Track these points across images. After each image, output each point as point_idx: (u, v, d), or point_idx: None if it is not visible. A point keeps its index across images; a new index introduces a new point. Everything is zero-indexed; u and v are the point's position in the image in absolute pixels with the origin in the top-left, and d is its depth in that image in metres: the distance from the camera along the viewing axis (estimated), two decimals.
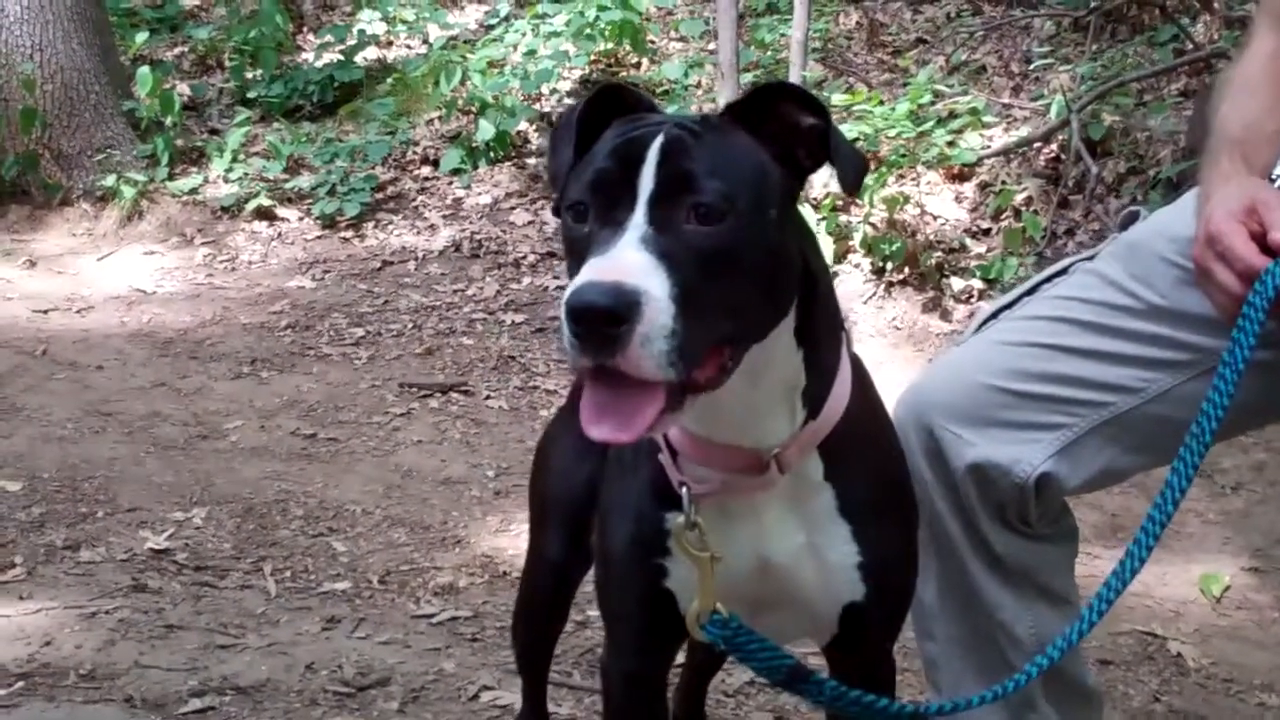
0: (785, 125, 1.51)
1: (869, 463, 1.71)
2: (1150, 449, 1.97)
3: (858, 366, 1.70)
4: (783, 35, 7.97)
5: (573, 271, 1.39)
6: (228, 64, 8.72)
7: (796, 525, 1.65)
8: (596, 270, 1.32)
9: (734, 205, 1.40)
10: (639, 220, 1.37)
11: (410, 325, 5.86)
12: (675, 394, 1.38)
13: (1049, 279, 2.07)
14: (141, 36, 8.51)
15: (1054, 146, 6.67)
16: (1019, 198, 6.27)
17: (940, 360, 2.11)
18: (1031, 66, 7.65)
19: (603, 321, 1.29)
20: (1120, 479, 2.08)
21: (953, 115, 6.75)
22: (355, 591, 3.41)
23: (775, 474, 1.59)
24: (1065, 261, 2.09)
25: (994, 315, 2.07)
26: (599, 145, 1.47)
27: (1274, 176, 1.84)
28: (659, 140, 1.42)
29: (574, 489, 2.06)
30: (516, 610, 2.40)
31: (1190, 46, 7.07)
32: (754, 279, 1.43)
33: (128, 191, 7.19)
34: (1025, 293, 2.08)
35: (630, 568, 1.69)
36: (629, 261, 1.33)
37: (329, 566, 3.56)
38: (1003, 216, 6.25)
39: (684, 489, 1.59)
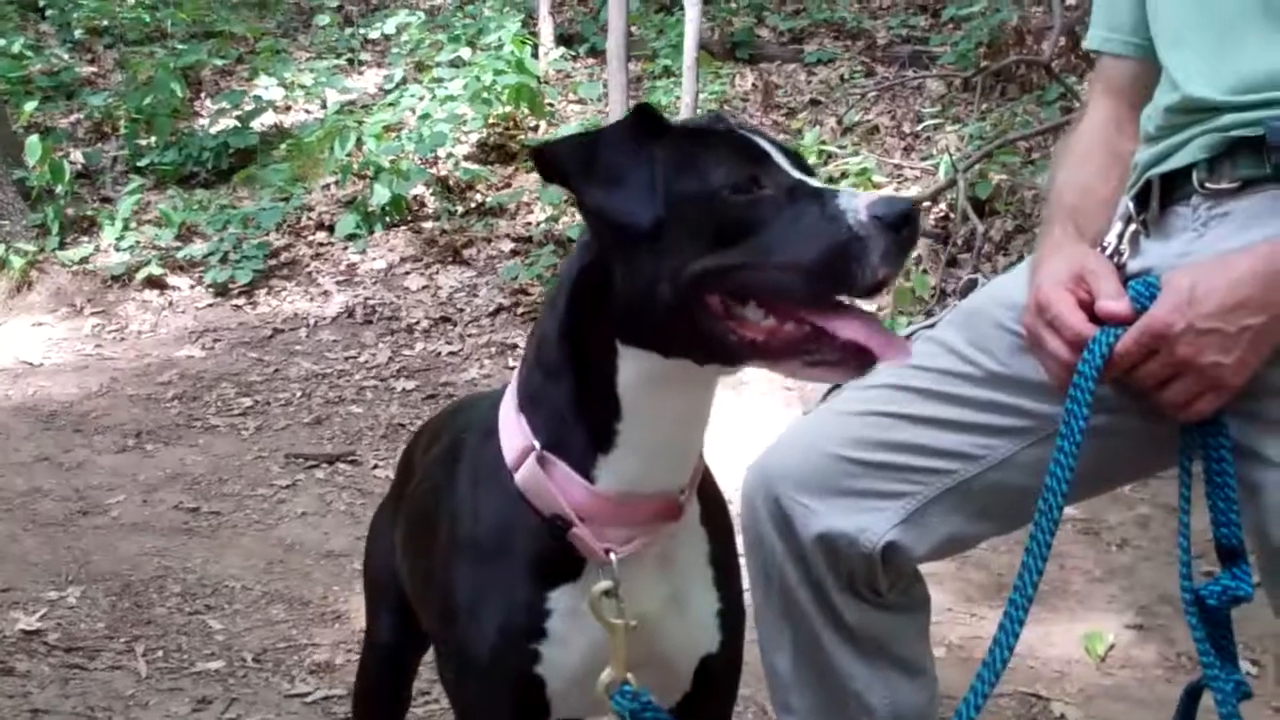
0: None
1: (718, 504, 1.74)
2: (994, 516, 1.98)
3: None
4: (678, 98, 8.03)
5: (758, 238, 1.42)
6: (122, 131, 8.64)
7: (667, 575, 1.64)
8: (868, 194, 1.41)
9: None
10: (813, 180, 1.46)
11: (300, 394, 5.80)
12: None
13: None
14: (31, 104, 8.41)
15: (943, 205, 6.78)
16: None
17: (787, 431, 2.11)
18: (921, 126, 7.78)
19: (916, 222, 1.39)
20: (967, 546, 2.08)
21: (844, 175, 6.84)
22: (229, 671, 3.35)
23: (681, 520, 1.61)
24: (908, 330, 2.10)
25: (838, 386, 2.08)
26: (702, 146, 1.50)
27: (1104, 245, 1.87)
28: (748, 133, 1.52)
29: (400, 572, 2.06)
30: (354, 700, 2.38)
31: (1077, 105, 7.22)
32: None
33: (16, 261, 7.08)
34: None
35: (499, 659, 1.64)
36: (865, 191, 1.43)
37: (203, 645, 3.49)
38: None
39: (611, 555, 1.57)
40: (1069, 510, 1.90)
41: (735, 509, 1.92)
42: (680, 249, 1.43)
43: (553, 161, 1.49)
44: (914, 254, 1.46)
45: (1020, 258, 6.14)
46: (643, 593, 1.61)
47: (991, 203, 6.57)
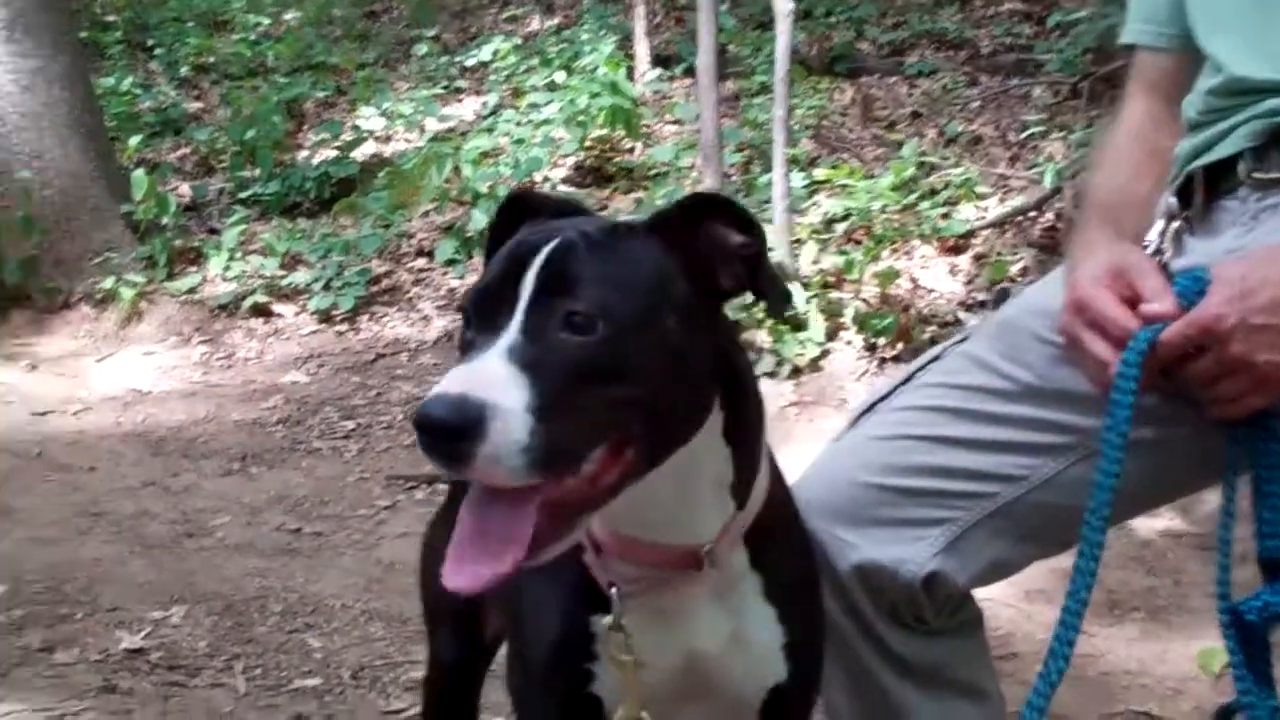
0: (708, 240, 1.48)
1: (788, 545, 1.69)
2: (1040, 539, 1.88)
3: (769, 452, 1.66)
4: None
5: None
6: (226, 164, 8.78)
7: (723, 614, 1.61)
8: (449, 381, 1.29)
9: (610, 314, 1.36)
10: (513, 329, 1.34)
11: (400, 417, 5.83)
12: (559, 513, 1.35)
13: (923, 366, 1.99)
14: (136, 140, 8.58)
15: (1049, 215, 6.65)
16: (1014, 268, 6.23)
17: (818, 459, 2.01)
18: (1026, 135, 7.65)
19: (446, 436, 1.26)
20: (1013, 570, 1.96)
21: (947, 186, 6.74)
22: (326, 688, 3.36)
23: (709, 569, 1.56)
24: (938, 348, 2.00)
25: (869, 409, 2.00)
26: (497, 253, 1.45)
27: (1146, 243, 1.78)
28: (548, 246, 1.39)
29: None
30: (422, 716, 2.35)
31: None
32: (648, 386, 1.38)
33: (126, 293, 7.21)
34: (900, 383, 1.99)
35: (554, 674, 1.64)
36: (487, 372, 1.30)
37: (302, 663, 3.50)
38: (997, 288, 6.21)
39: (613, 590, 1.55)
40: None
41: None
42: None
43: None
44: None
45: None
46: (693, 633, 1.60)
47: None
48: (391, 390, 6.20)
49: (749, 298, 1.52)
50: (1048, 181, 6.71)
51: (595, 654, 1.60)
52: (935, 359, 1.97)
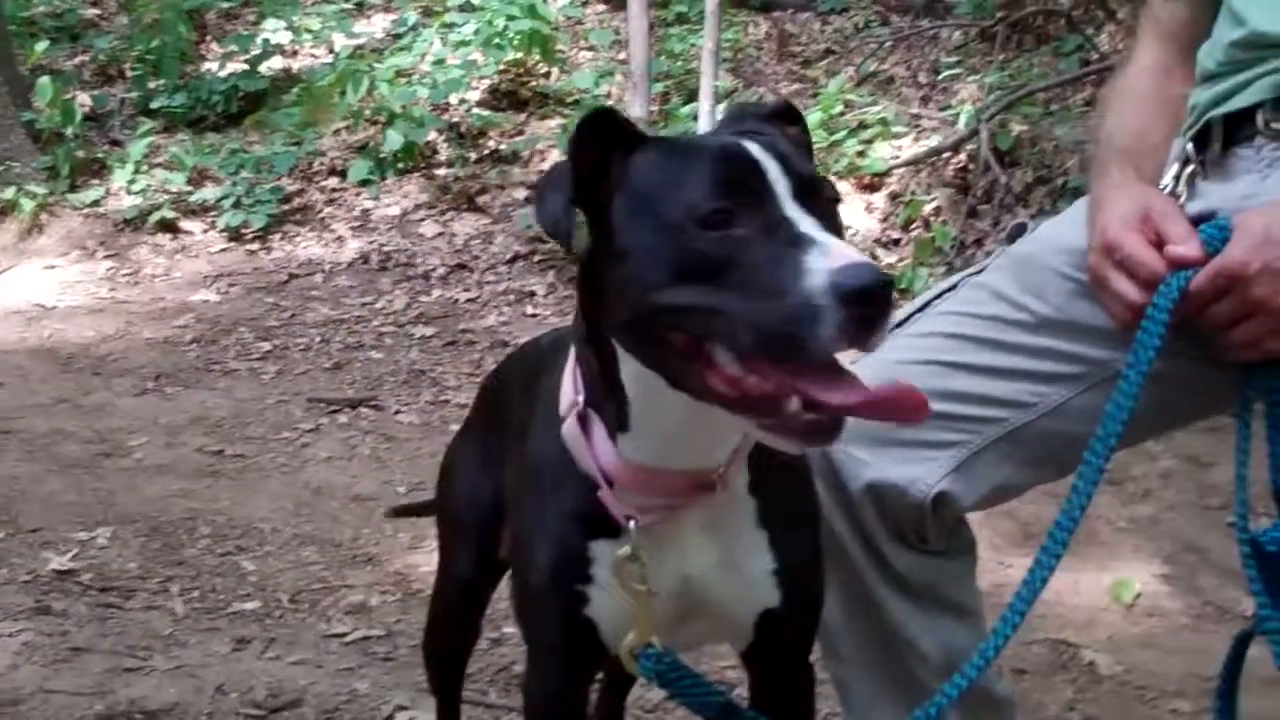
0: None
1: (784, 470, 1.69)
2: (1044, 463, 1.95)
3: None
4: (693, 45, 7.98)
5: (721, 280, 1.31)
6: (130, 74, 8.56)
7: (715, 538, 1.62)
8: (843, 253, 1.25)
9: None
10: (807, 217, 1.32)
11: (318, 339, 5.77)
12: None
13: (939, 295, 2.05)
14: (42, 46, 8.33)
15: (963, 156, 6.74)
16: (928, 208, 6.33)
17: None
18: (940, 77, 7.73)
19: (882, 300, 1.23)
20: (1014, 495, 2.05)
21: (863, 126, 6.80)
22: (265, 611, 3.34)
23: (720, 492, 1.57)
24: (955, 278, 2.06)
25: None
26: (681, 165, 1.40)
27: (1163, 185, 1.84)
28: (757, 147, 1.38)
29: (481, 504, 2.05)
30: (427, 628, 2.36)
31: (1095, 56, 7.19)
32: None
33: (27, 204, 7.02)
34: (917, 310, 2.05)
35: (550, 594, 1.65)
36: (848, 247, 1.28)
37: (238, 586, 3.47)
38: (913, 227, 6.30)
39: (630, 521, 1.55)
40: None
41: None
42: (643, 276, 1.36)
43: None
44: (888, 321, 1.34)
45: (1041, 210, 6.11)
46: (686, 557, 1.61)
47: (1013, 153, 6.53)
48: (306, 311, 6.13)
49: None
50: (963, 123, 6.79)
51: (590, 577, 1.62)
52: (952, 288, 2.03)
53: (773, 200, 1.33)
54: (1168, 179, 1.84)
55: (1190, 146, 1.84)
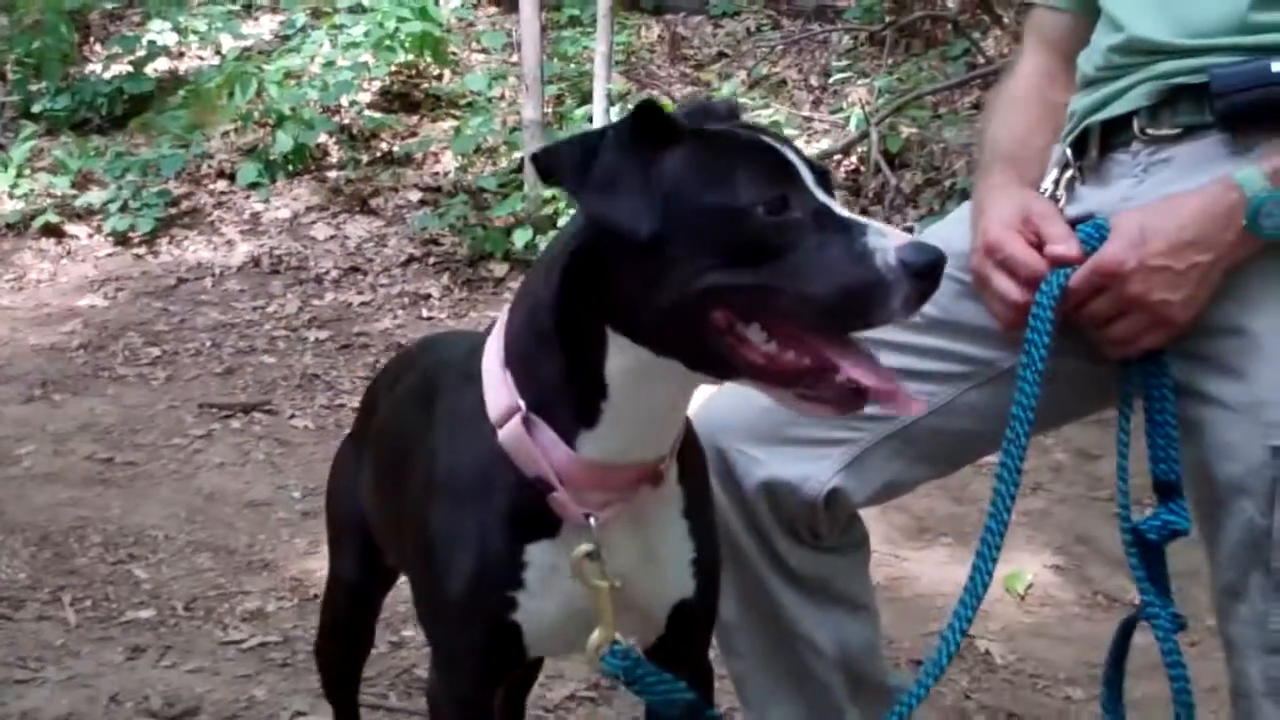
0: None
1: (696, 459, 1.73)
2: (933, 460, 2.01)
3: None
4: (585, 48, 7.99)
5: (777, 260, 1.39)
6: (10, 75, 8.36)
7: (640, 531, 1.64)
8: (897, 234, 1.38)
9: None
10: (835, 202, 1.42)
11: (209, 344, 5.68)
12: None
13: None
14: None
15: (854, 158, 6.83)
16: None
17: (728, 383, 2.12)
18: (830, 80, 7.82)
19: (939, 274, 1.37)
20: (906, 490, 2.09)
21: None
22: (160, 619, 3.29)
23: (664, 483, 1.60)
24: None
25: None
26: (728, 156, 1.44)
27: (1043, 189, 1.89)
28: (774, 141, 1.46)
29: (364, 509, 2.05)
30: (319, 635, 2.35)
31: (982, 61, 7.32)
32: None
33: None
34: None
35: (474, 602, 1.63)
36: (893, 229, 1.40)
37: (131, 594, 3.42)
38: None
39: (590, 519, 1.55)
40: (988, 457, 1.96)
41: None
42: (692, 260, 1.40)
43: (551, 164, 1.45)
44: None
45: (930, 211, 6.21)
46: (619, 549, 1.61)
47: (902, 156, 6.63)
48: (196, 316, 6.03)
49: None
50: (853, 126, 6.88)
51: (521, 582, 1.61)
52: None
53: (809, 191, 1.42)
54: (1047, 183, 1.90)
55: (1069, 151, 1.89)
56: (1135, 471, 1.80)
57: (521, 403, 1.53)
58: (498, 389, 1.56)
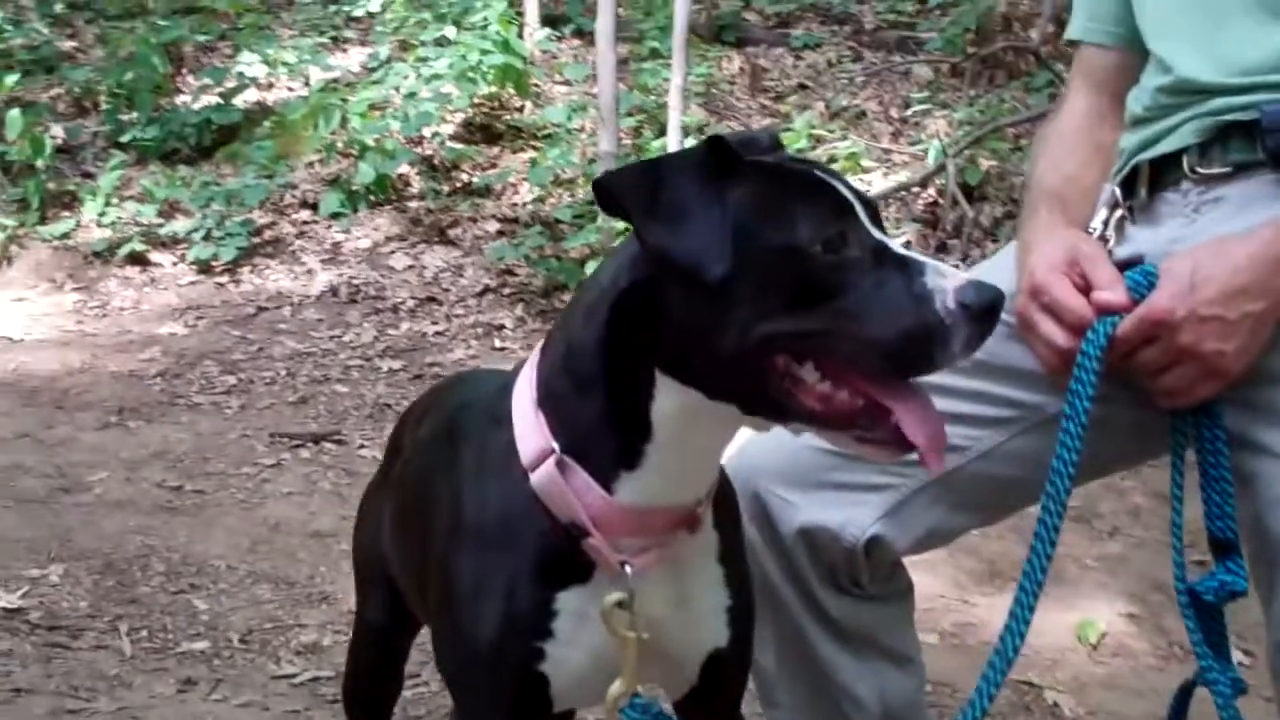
0: None
1: (729, 503, 1.70)
2: (976, 507, 1.96)
3: None
4: (665, 79, 7.98)
5: (835, 300, 1.36)
6: (103, 106, 8.54)
7: (676, 577, 1.60)
8: (955, 274, 1.37)
9: None
10: (894, 242, 1.40)
11: (284, 372, 5.75)
12: None
13: None
14: (12, 78, 8.30)
15: (932, 191, 6.77)
16: (898, 242, 6.33)
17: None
18: (910, 112, 7.76)
19: (997, 315, 1.36)
20: (948, 539, 2.04)
21: (833, 160, 6.81)
22: (214, 651, 3.31)
23: (700, 528, 1.57)
24: None
25: None
26: (786, 192, 1.41)
27: (1091, 229, 1.84)
28: (827, 175, 1.44)
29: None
30: (345, 679, 2.35)
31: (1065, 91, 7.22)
32: None
33: None
34: None
35: (501, 651, 1.59)
36: (950, 268, 1.38)
37: (188, 625, 3.45)
38: None
39: (626, 567, 1.52)
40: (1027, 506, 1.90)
41: None
42: (753, 301, 1.36)
43: (613, 193, 1.40)
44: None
45: (1010, 243, 6.11)
46: (652, 597, 1.56)
47: (981, 188, 6.56)
48: (274, 345, 6.10)
49: None
50: (931, 158, 6.82)
51: (550, 631, 1.57)
52: None
53: (865, 228, 1.39)
54: (1096, 223, 1.85)
55: (1118, 191, 1.85)
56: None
57: (555, 445, 1.50)
58: (530, 431, 1.52)
